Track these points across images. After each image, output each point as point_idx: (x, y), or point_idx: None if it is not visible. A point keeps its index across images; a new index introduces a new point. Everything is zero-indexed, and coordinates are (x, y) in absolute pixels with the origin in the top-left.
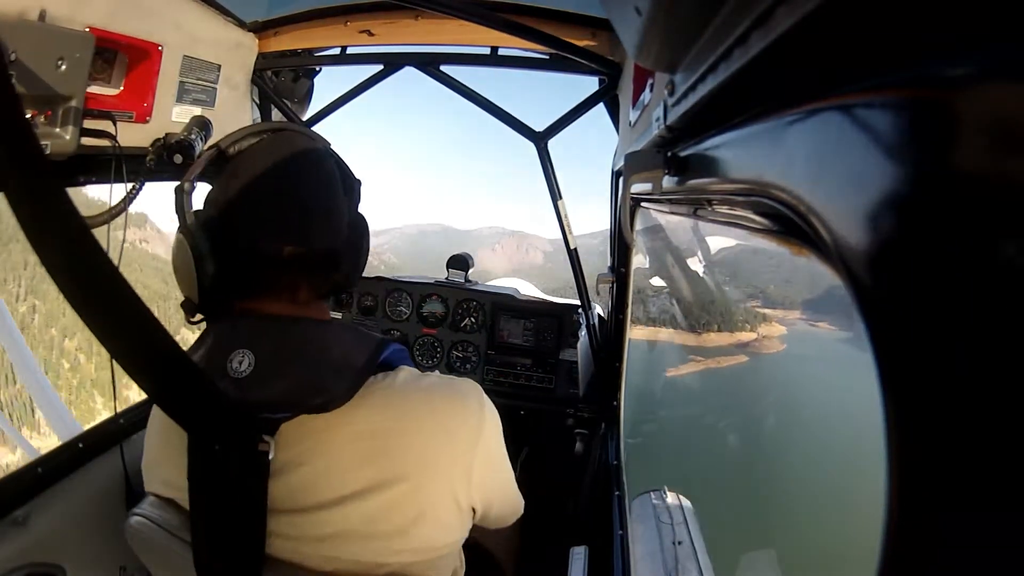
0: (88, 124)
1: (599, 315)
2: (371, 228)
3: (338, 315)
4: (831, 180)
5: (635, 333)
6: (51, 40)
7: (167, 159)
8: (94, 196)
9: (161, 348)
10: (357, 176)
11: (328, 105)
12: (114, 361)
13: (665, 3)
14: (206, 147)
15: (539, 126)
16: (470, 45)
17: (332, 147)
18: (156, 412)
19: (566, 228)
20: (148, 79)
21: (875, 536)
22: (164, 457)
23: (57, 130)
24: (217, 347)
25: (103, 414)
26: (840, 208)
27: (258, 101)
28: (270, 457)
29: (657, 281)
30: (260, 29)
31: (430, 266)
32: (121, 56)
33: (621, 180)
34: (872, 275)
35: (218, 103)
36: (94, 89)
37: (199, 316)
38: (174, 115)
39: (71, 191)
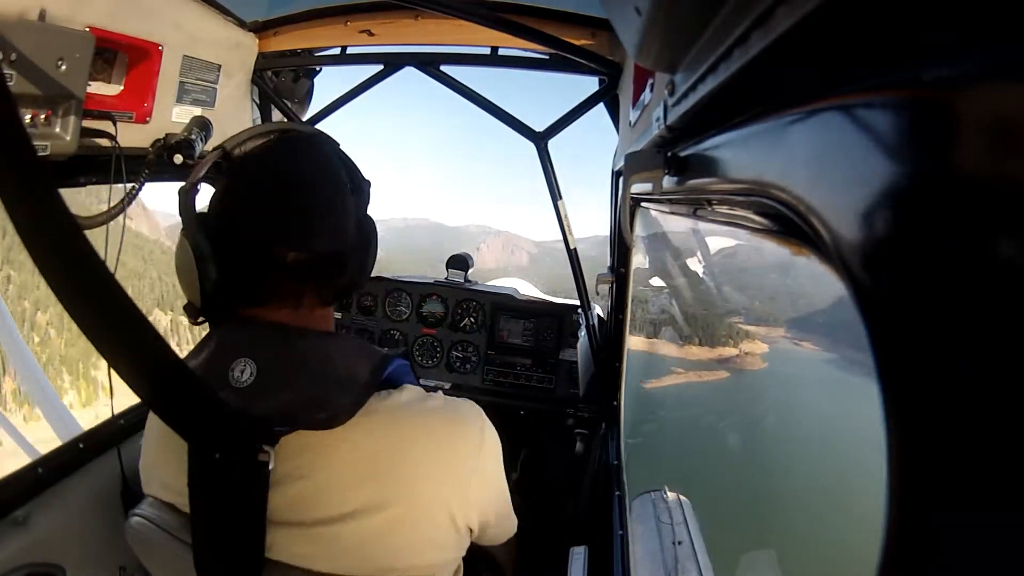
0: (88, 124)
1: (599, 315)
2: None
3: (337, 315)
4: (831, 180)
5: (634, 338)
6: (51, 40)
7: (167, 159)
8: (95, 196)
9: (157, 356)
10: (366, 177)
11: (328, 105)
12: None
13: (665, 3)
14: (210, 148)
15: (539, 126)
16: (470, 45)
17: (340, 147)
18: (153, 416)
19: (566, 228)
20: (148, 79)
21: (874, 535)
22: (163, 460)
23: (57, 130)
24: (218, 354)
25: (70, 393)
26: (840, 208)
27: (258, 101)
28: (270, 467)
29: (657, 281)
30: (260, 29)
31: (416, 260)
32: (121, 56)
33: (621, 180)
34: (872, 275)
35: (218, 103)
36: (94, 89)
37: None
38: (174, 115)
39: (71, 191)
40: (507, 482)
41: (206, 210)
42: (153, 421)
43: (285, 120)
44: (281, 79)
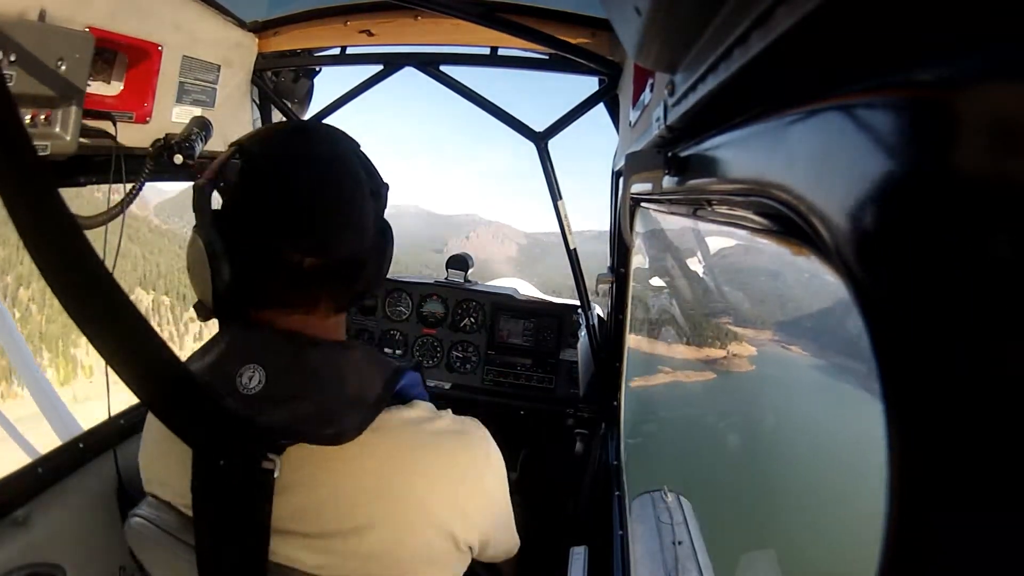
0: (88, 124)
1: (599, 315)
2: None
3: None
4: (831, 180)
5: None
6: (51, 40)
7: (167, 159)
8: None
9: (160, 359)
10: (384, 179)
11: (328, 105)
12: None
13: (665, 3)
14: (210, 148)
15: (539, 126)
16: (470, 45)
17: (361, 147)
18: (153, 416)
19: (566, 228)
20: (148, 79)
21: (873, 535)
22: (163, 460)
23: (57, 130)
24: (227, 357)
25: (48, 371)
26: (840, 208)
27: (258, 101)
28: (275, 476)
29: (658, 281)
30: (260, 29)
31: (405, 248)
32: (121, 56)
33: (621, 180)
34: (872, 275)
35: (218, 103)
36: (94, 89)
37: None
38: (174, 115)
39: (70, 191)
40: (507, 483)
41: (221, 208)
42: (153, 419)
43: (285, 119)
44: (281, 79)
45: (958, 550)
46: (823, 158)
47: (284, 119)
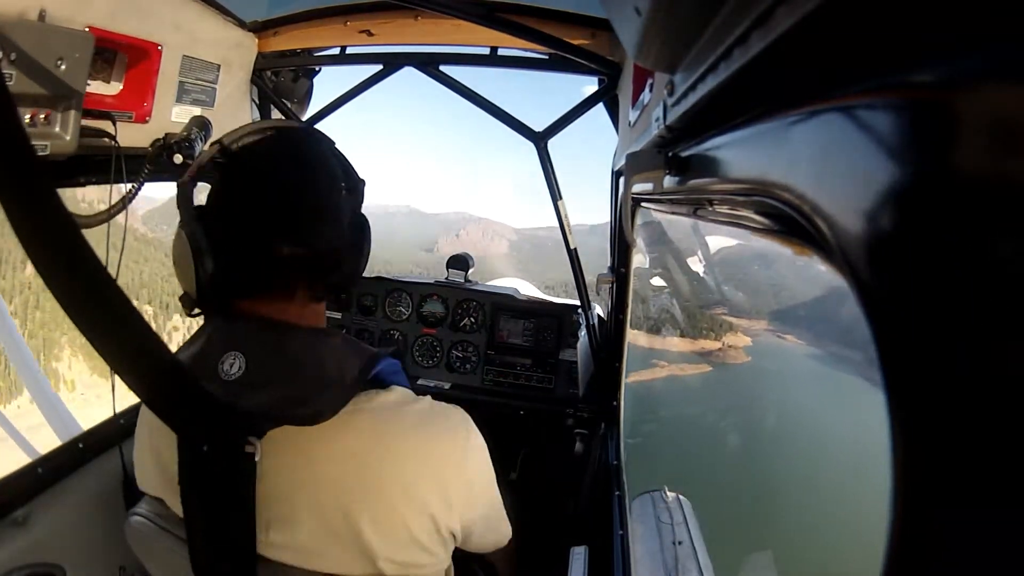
0: (88, 124)
1: (599, 315)
2: None
3: (337, 315)
4: (832, 180)
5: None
6: (51, 40)
7: (167, 159)
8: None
9: (150, 349)
10: (361, 176)
11: (327, 105)
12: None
13: (665, 3)
14: (208, 145)
15: (539, 126)
16: (469, 45)
17: (336, 145)
18: (145, 412)
19: (566, 228)
20: (148, 79)
21: (873, 534)
22: (153, 458)
23: (56, 130)
24: (210, 346)
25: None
26: (843, 208)
27: (258, 101)
28: (256, 459)
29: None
30: (260, 29)
31: (396, 248)
32: (121, 56)
33: (621, 180)
34: (876, 274)
35: (218, 103)
36: (94, 89)
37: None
38: (174, 115)
39: (70, 191)
40: (507, 482)
41: (204, 204)
42: (143, 419)
43: (283, 118)
44: (281, 79)
45: (963, 547)
46: (824, 158)
47: (283, 119)
